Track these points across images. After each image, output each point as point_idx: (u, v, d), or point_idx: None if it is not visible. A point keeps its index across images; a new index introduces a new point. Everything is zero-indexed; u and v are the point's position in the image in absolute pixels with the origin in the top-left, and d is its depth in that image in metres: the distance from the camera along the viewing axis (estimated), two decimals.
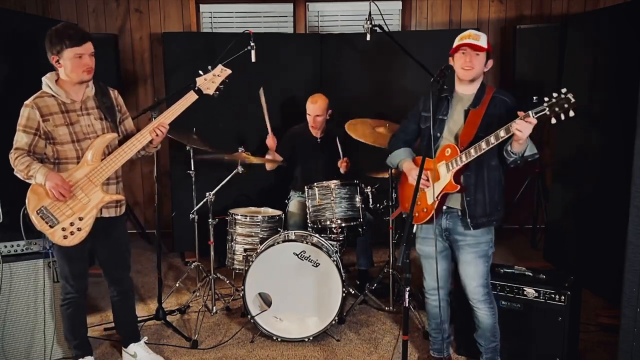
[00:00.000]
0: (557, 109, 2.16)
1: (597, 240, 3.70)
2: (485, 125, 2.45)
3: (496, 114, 2.48)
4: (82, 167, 2.54)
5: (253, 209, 3.89)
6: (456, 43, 2.53)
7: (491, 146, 2.35)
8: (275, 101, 4.52)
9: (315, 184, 3.52)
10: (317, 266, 3.17)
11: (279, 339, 3.19)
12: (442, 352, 2.88)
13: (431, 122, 2.40)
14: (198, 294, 3.78)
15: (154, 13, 5.05)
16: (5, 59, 3.46)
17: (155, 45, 5.05)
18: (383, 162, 3.56)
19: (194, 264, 3.86)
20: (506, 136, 2.31)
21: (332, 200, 3.46)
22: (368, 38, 3.58)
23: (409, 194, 2.65)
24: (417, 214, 2.64)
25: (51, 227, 2.50)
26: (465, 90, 2.57)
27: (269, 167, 3.98)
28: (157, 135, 2.64)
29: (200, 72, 2.77)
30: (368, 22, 3.53)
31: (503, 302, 2.80)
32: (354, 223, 3.48)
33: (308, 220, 3.53)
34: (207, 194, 3.48)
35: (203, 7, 5.10)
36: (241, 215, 3.62)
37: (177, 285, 3.89)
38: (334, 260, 3.14)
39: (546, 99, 2.19)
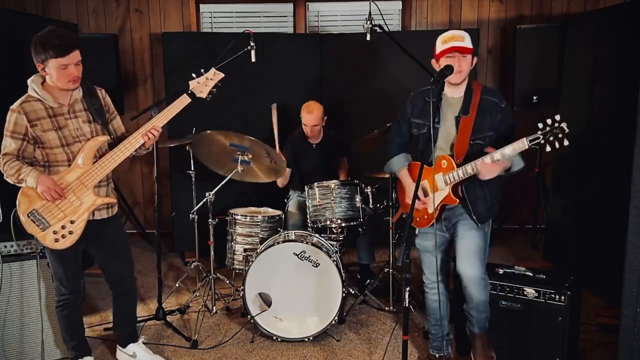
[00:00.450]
0: (551, 138, 2.18)
1: (597, 240, 3.70)
2: (477, 131, 2.48)
3: (487, 118, 2.50)
4: (73, 170, 2.52)
5: (253, 209, 3.90)
6: (441, 46, 2.50)
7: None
8: (276, 101, 4.52)
9: (315, 183, 3.52)
10: (317, 266, 3.17)
11: (279, 339, 3.19)
12: (442, 350, 2.87)
13: (431, 122, 2.39)
14: (198, 294, 3.78)
15: (154, 13, 5.05)
16: (5, 59, 3.46)
17: (155, 45, 5.05)
18: (383, 162, 3.58)
19: (194, 264, 3.87)
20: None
21: (332, 200, 3.46)
22: (368, 38, 3.57)
23: (409, 195, 2.67)
24: (417, 219, 2.67)
25: (42, 230, 2.49)
26: (454, 94, 2.57)
27: (280, 183, 3.97)
28: (149, 138, 2.62)
29: (194, 75, 2.75)
30: (368, 22, 3.53)
31: (503, 302, 2.80)
32: (354, 223, 3.48)
33: (308, 220, 3.53)
34: (207, 194, 3.48)
35: (203, 7, 5.10)
36: (241, 215, 3.62)
37: (177, 285, 3.89)
38: (334, 260, 3.14)
39: (540, 125, 2.20)
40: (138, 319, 3.12)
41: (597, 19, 3.88)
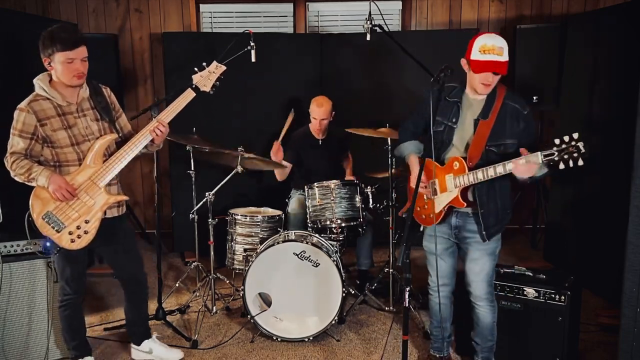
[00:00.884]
0: (565, 156, 2.12)
1: (597, 240, 3.70)
2: (495, 137, 2.40)
3: (507, 125, 2.42)
4: (84, 170, 2.52)
5: (253, 209, 3.89)
6: (478, 55, 2.36)
7: (499, 175, 2.33)
8: (276, 101, 4.53)
9: (315, 183, 3.52)
10: (317, 266, 3.17)
11: (279, 339, 3.19)
12: (442, 352, 2.88)
13: (431, 123, 2.37)
14: (198, 294, 3.78)
15: (154, 13, 5.05)
16: (5, 59, 3.46)
17: (155, 45, 5.05)
18: (383, 161, 3.58)
19: (194, 264, 3.86)
20: (504, 173, 2.31)
21: (332, 200, 3.46)
22: (368, 38, 3.57)
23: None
24: (424, 217, 2.65)
25: (58, 231, 2.49)
26: (476, 95, 2.50)
27: (279, 177, 3.98)
28: (157, 135, 2.62)
29: (196, 69, 2.76)
30: (368, 22, 3.53)
31: (503, 302, 2.80)
32: (354, 223, 3.48)
33: (308, 220, 3.53)
34: (207, 194, 3.48)
35: (203, 7, 5.10)
36: (241, 215, 3.62)
37: (177, 285, 3.89)
38: (334, 260, 3.14)
39: (557, 141, 2.13)
40: (125, 318, 3.12)
41: (597, 19, 3.88)
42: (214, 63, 2.79)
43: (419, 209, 2.67)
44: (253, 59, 3.58)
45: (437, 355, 2.89)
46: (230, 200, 4.13)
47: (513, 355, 2.80)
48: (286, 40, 4.73)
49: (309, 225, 3.52)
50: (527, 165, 2.25)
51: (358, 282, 3.94)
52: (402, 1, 5.11)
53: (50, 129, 2.47)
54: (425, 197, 2.63)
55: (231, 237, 3.65)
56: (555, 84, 4.37)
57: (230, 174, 3.49)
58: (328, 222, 3.46)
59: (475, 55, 2.38)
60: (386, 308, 3.60)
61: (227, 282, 3.81)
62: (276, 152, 3.84)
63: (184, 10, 5.05)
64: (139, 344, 2.98)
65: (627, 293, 2.30)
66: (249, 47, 3.58)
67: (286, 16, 5.16)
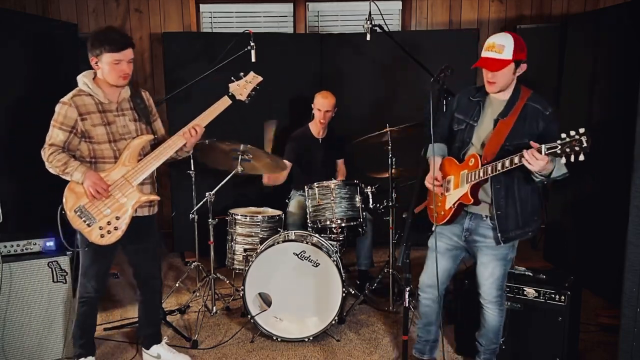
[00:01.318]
0: (567, 150, 2.08)
1: (597, 240, 3.70)
2: (514, 136, 2.36)
3: (526, 125, 2.38)
4: (119, 168, 2.58)
5: (253, 209, 3.89)
6: (482, 52, 2.40)
7: (506, 169, 2.28)
8: (276, 101, 4.52)
9: (315, 184, 3.52)
10: (317, 266, 3.17)
11: (279, 339, 3.19)
12: (424, 354, 2.83)
13: (431, 123, 2.36)
14: (198, 294, 3.78)
15: (154, 13, 5.05)
16: (5, 59, 3.46)
17: (155, 45, 5.05)
18: (383, 161, 3.58)
19: (194, 264, 3.86)
20: (514, 166, 2.24)
21: (332, 200, 3.46)
22: (368, 38, 3.58)
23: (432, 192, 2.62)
24: (435, 215, 2.61)
25: (88, 225, 2.53)
26: (498, 95, 2.48)
27: (281, 179, 3.99)
28: (191, 135, 2.67)
29: (233, 78, 2.83)
30: (368, 22, 3.53)
31: None
32: (354, 223, 3.48)
33: (308, 220, 3.53)
34: (207, 194, 3.48)
35: (203, 7, 5.10)
36: (241, 215, 3.62)
37: (177, 285, 3.88)
38: (334, 260, 3.14)
39: (563, 135, 2.10)
40: (137, 319, 3.12)
41: (597, 19, 3.88)
42: (251, 73, 2.87)
43: (432, 207, 2.65)
44: (253, 59, 3.58)
45: (418, 357, 2.85)
46: (230, 200, 4.13)
47: (513, 355, 2.80)
48: (286, 40, 4.73)
49: (309, 225, 3.52)
50: (532, 158, 2.17)
51: (358, 282, 3.94)
52: (402, 1, 5.11)
53: (90, 124, 2.53)
54: (440, 195, 2.60)
55: (231, 237, 3.65)
56: (555, 84, 4.37)
57: (230, 174, 3.50)
58: (328, 222, 3.46)
59: (481, 53, 2.41)
60: (386, 308, 3.60)
61: (227, 282, 3.81)
62: (268, 181, 3.90)
63: (184, 10, 5.05)
64: (148, 348, 2.98)
65: (627, 293, 2.30)
66: (249, 47, 3.59)
67: (286, 16, 5.16)
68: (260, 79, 2.88)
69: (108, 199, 2.54)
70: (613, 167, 3.51)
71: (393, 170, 3.55)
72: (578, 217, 3.98)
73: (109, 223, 2.55)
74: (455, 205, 2.51)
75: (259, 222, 3.59)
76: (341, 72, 4.68)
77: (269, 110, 4.53)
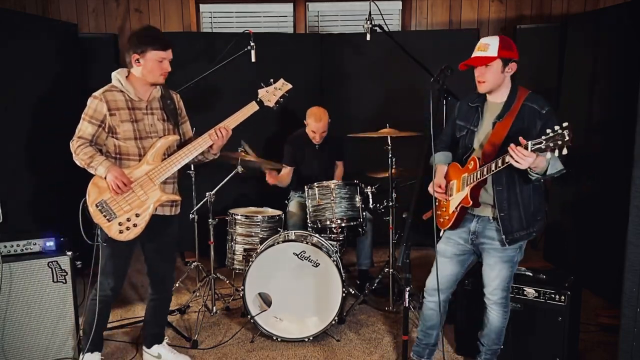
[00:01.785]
0: (551, 144, 2.09)
1: (597, 240, 3.70)
2: (512, 138, 2.34)
3: (524, 126, 2.39)
4: (142, 165, 2.60)
5: (253, 209, 3.89)
6: None
7: (499, 168, 2.29)
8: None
9: (315, 184, 3.53)
10: (317, 266, 3.17)
11: (279, 339, 3.19)
12: (422, 357, 2.82)
13: (431, 123, 2.37)
14: (198, 294, 3.78)
15: (154, 13, 5.05)
16: (5, 59, 3.46)
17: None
18: (383, 162, 3.58)
19: (194, 264, 3.87)
20: (505, 164, 2.25)
21: (332, 200, 3.46)
22: (368, 38, 3.58)
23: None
24: (441, 220, 2.64)
25: (108, 220, 2.55)
26: (495, 99, 2.50)
27: (286, 179, 3.98)
28: (217, 137, 2.70)
29: (262, 84, 2.86)
30: (368, 22, 3.53)
31: None
32: (354, 223, 3.48)
33: (308, 220, 3.53)
34: (207, 194, 3.48)
35: (203, 7, 5.10)
36: (241, 215, 3.62)
37: (177, 285, 3.88)
38: (334, 260, 3.14)
39: (548, 131, 2.12)
40: (137, 319, 3.13)
41: (597, 19, 3.88)
42: (281, 80, 2.91)
43: (439, 212, 2.67)
44: (253, 59, 3.58)
45: (416, 359, 2.84)
46: (230, 200, 4.13)
47: (513, 355, 2.80)
48: (286, 40, 4.73)
49: (309, 225, 3.52)
50: (518, 155, 2.17)
51: (358, 282, 3.94)
52: (402, 1, 5.11)
53: (118, 119, 2.56)
54: (444, 201, 2.63)
55: (231, 237, 3.65)
56: (555, 84, 4.37)
57: (231, 174, 3.50)
58: (328, 222, 3.46)
59: None
60: (386, 308, 3.60)
61: (227, 282, 3.81)
62: (270, 179, 3.86)
63: (184, 10, 5.05)
64: (149, 347, 2.98)
65: (627, 293, 2.30)
66: (249, 47, 3.59)
67: (286, 16, 5.16)
68: (289, 86, 2.91)
69: (130, 195, 2.56)
70: (613, 167, 3.51)
71: (393, 170, 3.55)
72: (578, 217, 3.98)
73: (128, 219, 2.57)
74: (458, 208, 2.53)
75: (259, 222, 3.59)
76: (341, 72, 4.68)
77: (269, 110, 4.52)
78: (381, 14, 3.62)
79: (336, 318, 3.14)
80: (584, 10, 4.97)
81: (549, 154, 2.14)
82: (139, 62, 2.57)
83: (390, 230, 3.62)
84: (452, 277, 2.66)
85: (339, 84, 4.64)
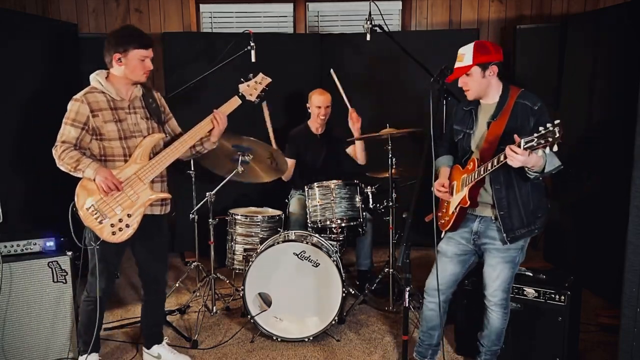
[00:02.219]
0: (542, 141, 2.10)
1: (597, 240, 3.70)
2: (507, 136, 2.36)
3: (518, 123, 2.40)
4: (130, 165, 2.59)
5: (253, 209, 3.90)
6: None
7: (495, 168, 2.30)
8: (276, 101, 4.52)
9: (315, 183, 3.53)
10: (317, 266, 3.17)
11: (279, 339, 3.19)
12: (425, 357, 2.82)
13: (431, 123, 2.38)
14: (198, 294, 3.78)
15: (154, 13, 5.05)
16: (5, 59, 3.46)
17: (155, 45, 5.03)
18: (383, 161, 3.58)
19: (194, 264, 3.87)
20: (500, 163, 2.26)
21: (332, 200, 3.46)
22: (368, 38, 3.58)
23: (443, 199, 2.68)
24: (442, 222, 2.66)
25: (100, 222, 2.53)
26: (487, 100, 2.52)
27: (285, 177, 3.99)
28: (217, 123, 2.72)
29: (242, 79, 2.86)
30: (368, 22, 3.53)
31: None
32: (354, 223, 3.48)
33: (308, 220, 3.53)
34: (207, 194, 3.48)
35: (203, 7, 5.10)
36: (241, 215, 3.62)
37: (177, 285, 3.89)
38: (334, 260, 3.14)
39: (540, 128, 2.13)
40: (137, 319, 3.12)
41: (597, 19, 3.88)
42: (260, 74, 2.91)
43: (440, 214, 2.69)
44: (253, 59, 3.59)
45: None
46: (231, 200, 4.13)
47: (513, 355, 2.80)
48: (286, 40, 4.73)
49: (309, 225, 3.52)
50: (512, 154, 2.18)
51: (358, 282, 3.94)
52: (402, 1, 5.11)
53: (101, 121, 2.54)
54: (445, 202, 2.65)
55: (231, 237, 3.65)
56: (555, 84, 4.37)
57: (231, 174, 3.50)
58: (328, 222, 3.46)
59: None
60: (386, 308, 3.60)
61: (227, 282, 3.81)
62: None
63: (184, 10, 5.05)
64: (149, 348, 2.98)
65: (627, 293, 2.30)
66: (249, 47, 3.59)
67: (286, 16, 5.16)
68: (269, 80, 2.92)
69: (120, 196, 2.55)
70: (613, 167, 3.51)
71: (393, 170, 3.55)
72: (578, 217, 3.98)
73: (120, 220, 2.55)
74: (457, 209, 2.54)
75: (259, 222, 3.59)
76: (341, 72, 4.67)
77: (269, 110, 4.52)
78: (381, 14, 3.62)
79: (336, 318, 3.14)
80: (584, 10, 4.97)
81: (540, 151, 2.16)
82: (120, 62, 2.55)
83: (390, 230, 3.62)
84: (452, 278, 2.66)
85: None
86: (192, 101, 4.02)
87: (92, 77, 2.60)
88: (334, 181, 3.53)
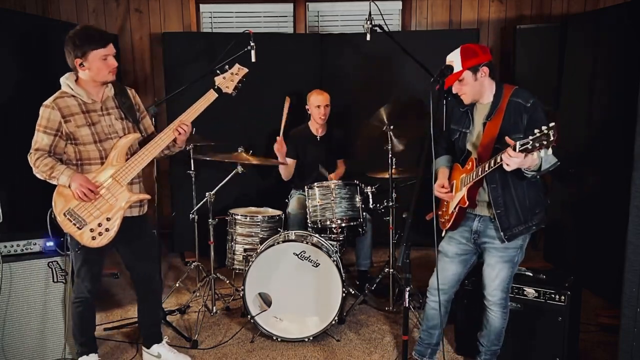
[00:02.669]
0: (537, 144, 2.10)
1: (597, 240, 3.70)
2: (503, 135, 2.35)
3: (512, 121, 2.41)
4: (107, 168, 2.55)
5: (253, 209, 3.89)
6: None
7: (492, 169, 2.31)
8: (276, 101, 4.52)
9: (315, 183, 3.53)
10: (317, 266, 3.17)
11: (279, 339, 3.19)
12: (424, 356, 2.82)
13: (430, 123, 2.37)
14: (198, 294, 3.78)
15: (154, 13, 5.05)
16: (5, 59, 3.46)
17: (155, 45, 5.05)
18: (383, 161, 3.58)
19: (194, 264, 3.87)
20: (497, 165, 2.27)
21: (332, 200, 3.46)
22: (368, 38, 3.58)
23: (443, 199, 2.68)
24: (442, 220, 2.66)
25: (79, 228, 2.50)
26: (482, 101, 2.53)
27: (285, 175, 3.99)
28: (179, 133, 2.64)
29: (218, 71, 2.79)
30: (368, 22, 3.53)
31: None
32: (354, 223, 3.48)
33: (308, 220, 3.53)
34: (207, 194, 3.48)
35: (203, 7, 5.10)
36: (241, 215, 3.62)
37: (177, 285, 3.88)
38: (334, 260, 3.14)
39: (536, 131, 2.12)
40: (136, 319, 3.12)
41: (597, 19, 3.88)
42: (236, 65, 2.82)
43: (440, 213, 2.69)
44: (253, 59, 3.58)
45: (418, 359, 2.83)
46: (231, 200, 4.13)
47: (513, 355, 2.80)
48: (286, 40, 4.73)
49: (309, 225, 3.52)
50: (507, 157, 2.18)
51: (358, 282, 3.94)
52: (402, 1, 5.11)
53: (74, 125, 2.49)
54: (445, 201, 2.65)
55: (231, 237, 3.65)
56: (555, 84, 4.37)
57: (231, 174, 3.49)
58: (328, 222, 3.46)
59: None
60: (386, 308, 3.60)
61: (227, 282, 3.81)
62: (280, 147, 3.84)
63: (184, 10, 5.05)
64: (148, 347, 2.98)
65: (627, 293, 2.30)
66: (249, 47, 3.58)
67: (286, 16, 5.17)
68: (245, 70, 2.82)
69: (97, 200, 2.51)
70: (613, 167, 3.51)
71: (393, 170, 3.55)
72: (578, 217, 3.98)
73: (99, 225, 2.52)
74: (456, 209, 2.54)
75: (259, 222, 3.59)
76: (341, 72, 4.68)
77: (269, 110, 4.53)
78: (381, 14, 3.62)
79: (336, 318, 3.14)
80: (584, 10, 4.97)
81: (535, 154, 2.17)
82: (83, 66, 2.47)
83: (390, 230, 3.62)
84: (454, 277, 2.66)
85: (339, 84, 4.63)
86: (192, 101, 4.02)
87: (62, 80, 2.54)
88: (334, 181, 3.53)
